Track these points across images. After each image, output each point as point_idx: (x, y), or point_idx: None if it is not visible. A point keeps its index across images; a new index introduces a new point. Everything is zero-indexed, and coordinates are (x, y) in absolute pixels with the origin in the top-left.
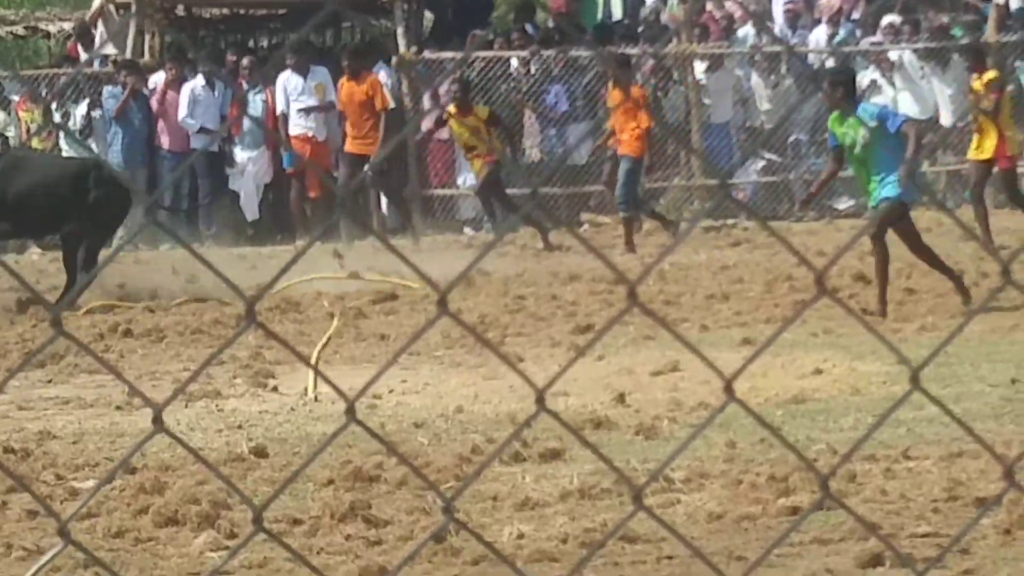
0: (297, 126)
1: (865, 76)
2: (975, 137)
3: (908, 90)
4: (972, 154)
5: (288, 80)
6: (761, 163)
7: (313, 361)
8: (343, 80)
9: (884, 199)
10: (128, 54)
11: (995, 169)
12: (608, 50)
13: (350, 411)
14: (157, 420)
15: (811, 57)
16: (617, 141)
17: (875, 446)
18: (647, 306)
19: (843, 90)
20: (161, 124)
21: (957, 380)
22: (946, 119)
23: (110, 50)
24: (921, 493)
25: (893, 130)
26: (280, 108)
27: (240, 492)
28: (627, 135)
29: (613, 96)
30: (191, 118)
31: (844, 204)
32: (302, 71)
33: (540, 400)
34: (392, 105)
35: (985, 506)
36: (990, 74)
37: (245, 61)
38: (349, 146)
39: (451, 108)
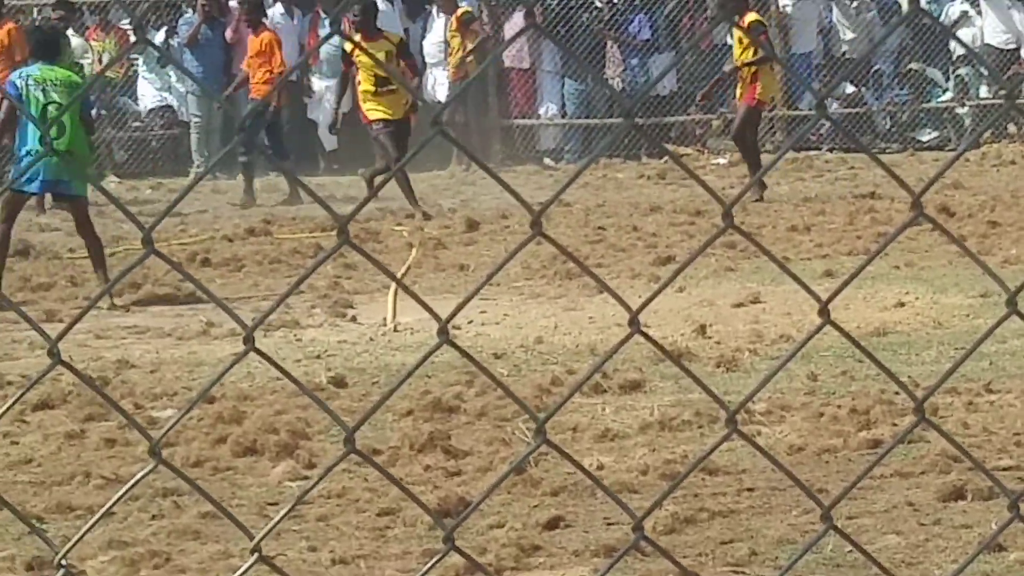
0: None
1: (954, 7)
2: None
3: (996, 17)
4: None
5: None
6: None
7: (392, 291)
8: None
9: None
10: None
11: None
12: None
13: (443, 331)
14: (248, 340)
15: None
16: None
17: (957, 379)
18: (741, 228)
19: None
20: (236, 52)
21: None
22: None
23: None
24: (1003, 426)
25: None
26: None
27: (332, 412)
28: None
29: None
30: None
31: (927, 136)
32: None
33: (634, 322)
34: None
35: None
36: (750, 17)
37: None
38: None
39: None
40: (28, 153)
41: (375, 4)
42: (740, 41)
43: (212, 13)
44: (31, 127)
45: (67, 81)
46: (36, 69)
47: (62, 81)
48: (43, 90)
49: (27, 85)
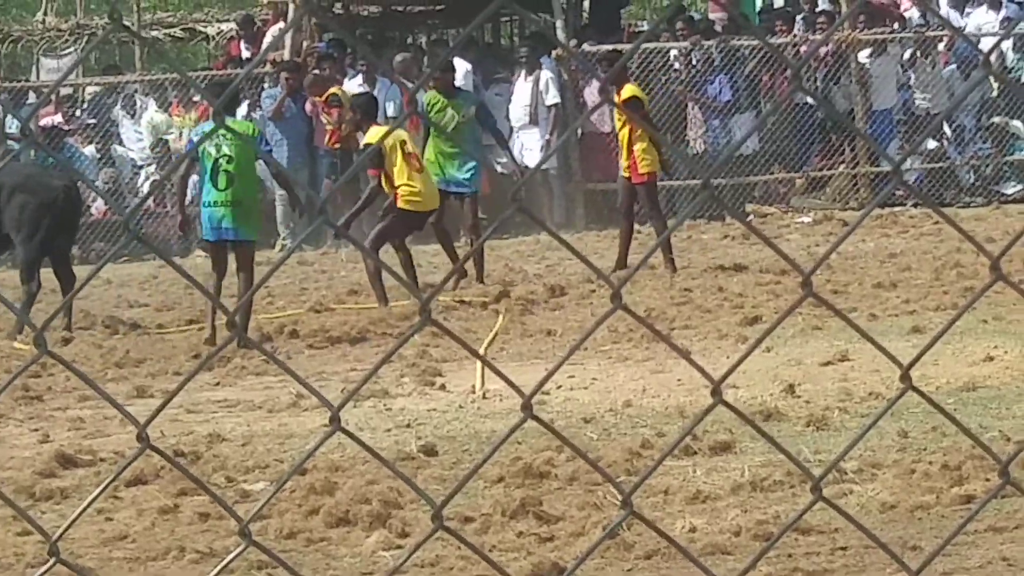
0: None
1: None
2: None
3: None
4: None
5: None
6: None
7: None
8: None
9: None
10: (287, 55)
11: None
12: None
13: (526, 407)
14: (334, 419)
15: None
16: None
17: None
18: (820, 296)
19: None
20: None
21: None
22: None
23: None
24: None
25: None
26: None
27: (418, 489)
28: None
29: None
30: None
31: (1012, 189)
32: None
33: (716, 392)
34: None
35: None
36: (627, 92)
37: (399, 58)
38: None
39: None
40: (206, 204)
41: (453, 64)
42: (619, 115)
43: (295, 86)
44: (208, 180)
45: (239, 133)
46: (209, 124)
47: (231, 137)
48: (216, 145)
49: (200, 139)
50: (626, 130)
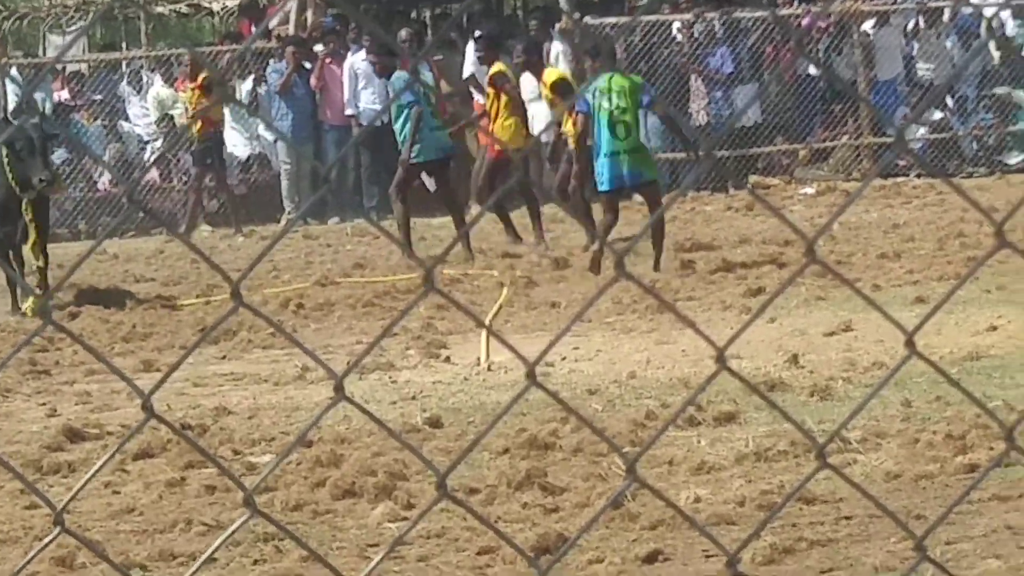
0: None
1: None
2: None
3: None
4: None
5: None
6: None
7: (485, 330)
8: None
9: None
10: (291, 29)
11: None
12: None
13: (531, 375)
14: (339, 388)
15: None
16: None
17: None
18: (826, 262)
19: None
20: (322, 98)
21: None
22: None
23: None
24: None
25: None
26: (468, 71)
27: (423, 458)
28: None
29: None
30: (353, 96)
31: (1015, 159)
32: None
33: (721, 359)
34: None
35: None
36: (495, 68)
37: (403, 34)
38: None
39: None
40: (606, 155)
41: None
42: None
43: (302, 61)
44: (604, 133)
45: (628, 86)
46: (602, 80)
47: (623, 87)
48: (607, 99)
49: (594, 96)
50: (491, 102)
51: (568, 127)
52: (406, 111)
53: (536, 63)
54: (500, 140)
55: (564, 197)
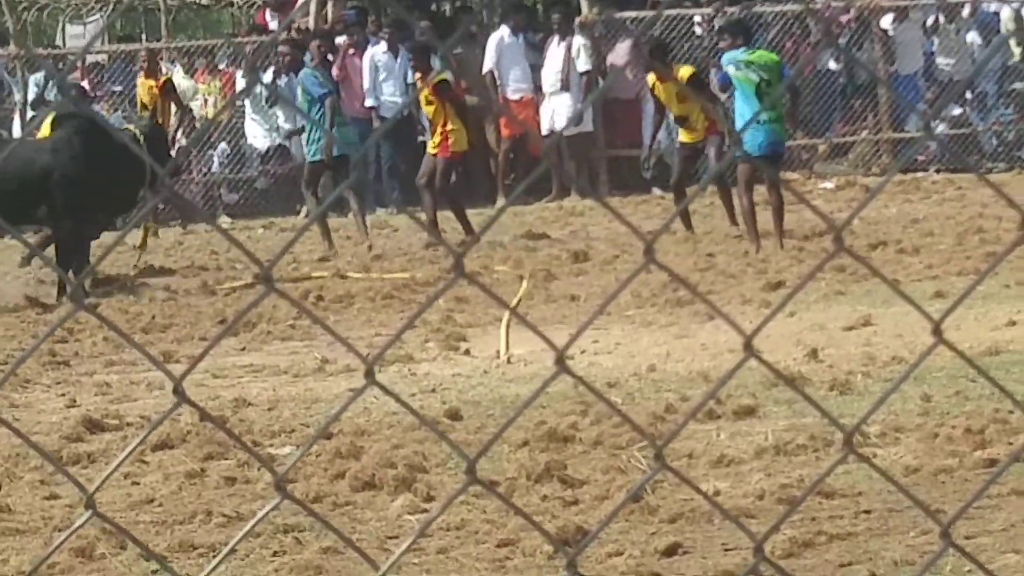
0: (518, 90)
1: None
2: None
3: None
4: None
5: (502, 39)
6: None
7: (504, 323)
8: None
9: None
10: (312, 23)
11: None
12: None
13: (560, 361)
14: (369, 374)
15: (996, 7)
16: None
17: None
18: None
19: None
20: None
21: None
22: None
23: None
24: None
25: None
26: (488, 66)
27: (453, 444)
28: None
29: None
30: (373, 87)
31: None
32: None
33: (748, 346)
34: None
35: None
36: (440, 76)
37: (423, 26)
38: None
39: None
40: (762, 122)
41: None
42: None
43: (326, 53)
44: (754, 102)
45: (769, 62)
46: (742, 53)
47: (765, 63)
48: (753, 71)
49: (737, 68)
50: (436, 109)
51: (696, 117)
52: (319, 105)
53: (663, 67)
54: (455, 142)
55: (681, 191)
